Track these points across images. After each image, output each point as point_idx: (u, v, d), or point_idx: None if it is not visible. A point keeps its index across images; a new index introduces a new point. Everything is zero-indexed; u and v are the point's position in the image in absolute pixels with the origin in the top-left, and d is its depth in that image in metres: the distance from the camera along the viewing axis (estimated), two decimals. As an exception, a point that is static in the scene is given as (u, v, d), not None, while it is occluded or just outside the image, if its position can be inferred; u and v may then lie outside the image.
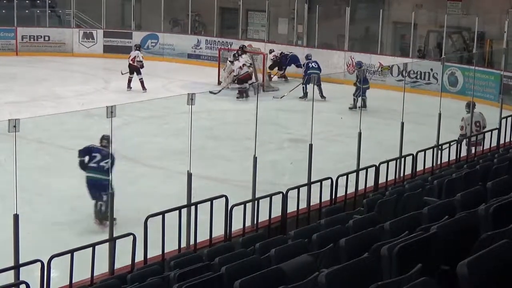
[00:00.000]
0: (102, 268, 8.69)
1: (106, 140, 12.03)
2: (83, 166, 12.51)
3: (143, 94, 23.32)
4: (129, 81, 24.21)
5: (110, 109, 9.27)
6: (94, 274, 8.36)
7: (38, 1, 33.53)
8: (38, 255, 7.93)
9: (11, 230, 8.67)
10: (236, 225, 9.90)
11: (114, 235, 9.11)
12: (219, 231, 9.79)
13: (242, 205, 9.93)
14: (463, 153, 13.56)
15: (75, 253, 8.09)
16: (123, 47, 30.33)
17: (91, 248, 8.31)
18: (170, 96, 20.97)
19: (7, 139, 8.71)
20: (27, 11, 33.00)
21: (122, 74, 24.03)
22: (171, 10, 31.84)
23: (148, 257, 8.96)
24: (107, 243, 8.90)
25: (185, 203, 9.94)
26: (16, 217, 8.65)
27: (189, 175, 10.13)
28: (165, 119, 19.72)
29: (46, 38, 31.07)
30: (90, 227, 11.61)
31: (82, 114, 19.40)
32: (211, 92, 22.22)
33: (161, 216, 9.09)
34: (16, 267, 8.34)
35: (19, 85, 24.56)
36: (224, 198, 9.85)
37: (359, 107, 19.65)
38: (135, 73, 24.10)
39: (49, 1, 32.45)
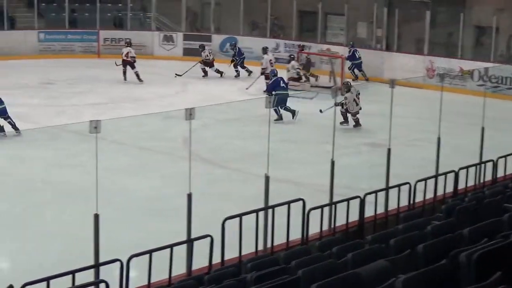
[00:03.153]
0: (179, 269, 8.77)
1: None
2: None
3: (221, 97, 23.48)
4: (124, 73, 26.10)
5: (189, 111, 9.35)
6: (172, 275, 8.44)
7: (120, 5, 34.04)
8: (117, 255, 8.05)
9: (92, 230, 8.83)
10: (313, 229, 9.89)
11: (192, 237, 9.19)
12: (295, 234, 9.79)
13: (319, 209, 9.91)
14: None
15: (153, 254, 8.18)
16: (202, 50, 30.58)
17: (169, 249, 8.39)
18: (248, 99, 21.06)
19: (89, 140, 8.87)
20: (109, 14, 33.54)
21: (116, 65, 25.83)
22: (250, 13, 31.96)
23: (225, 259, 9.01)
24: (185, 244, 8.98)
25: (262, 205, 9.97)
26: (96, 217, 8.80)
27: (267, 178, 10.16)
28: (243, 121, 19.80)
29: (128, 41, 31.52)
30: (169, 228, 11.72)
31: (162, 116, 19.65)
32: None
33: (238, 218, 9.14)
34: (96, 266, 8.48)
35: (101, 87, 24.98)
36: (301, 202, 9.85)
37: None
38: (128, 67, 26.06)
39: (131, 5, 32.92)
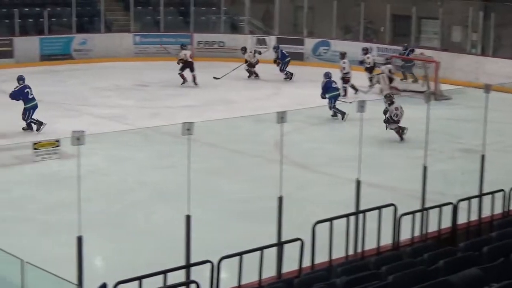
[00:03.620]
0: (269, 271, 8.80)
1: (22, 80, 19.10)
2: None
3: (313, 100, 23.43)
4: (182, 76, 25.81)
5: (280, 114, 9.38)
6: (262, 277, 8.48)
7: (213, 8, 34.37)
8: (208, 256, 8.12)
9: (183, 230, 8.95)
10: (404, 235, 9.79)
11: (282, 240, 9.21)
12: (386, 239, 9.71)
13: (411, 215, 9.81)
14: None
15: (243, 256, 8.23)
16: (295, 53, 30.61)
17: (259, 252, 8.43)
18: (340, 102, 20.99)
19: (182, 142, 8.99)
20: (203, 17, 33.89)
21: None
22: (343, 17, 31.85)
23: (315, 262, 9.01)
24: (275, 247, 9.01)
25: (353, 210, 9.93)
26: (188, 218, 8.91)
27: (358, 182, 10.11)
28: (335, 125, 19.78)
29: (221, 44, 31.82)
30: (259, 230, 11.76)
31: (253, 119, 19.75)
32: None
33: (329, 222, 9.12)
34: (187, 266, 8.58)
35: (194, 89, 25.25)
36: (392, 207, 9.77)
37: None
38: (187, 69, 25.76)
39: (225, 8, 33.21)
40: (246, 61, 27.66)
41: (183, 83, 25.63)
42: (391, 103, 18.69)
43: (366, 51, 27.16)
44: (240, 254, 8.22)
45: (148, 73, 26.35)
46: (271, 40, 31.92)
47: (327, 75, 21.28)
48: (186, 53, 25.95)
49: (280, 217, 9.56)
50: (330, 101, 20.81)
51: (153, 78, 26.76)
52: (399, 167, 16.33)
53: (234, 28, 34.19)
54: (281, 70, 27.44)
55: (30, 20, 31.25)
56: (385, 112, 18.54)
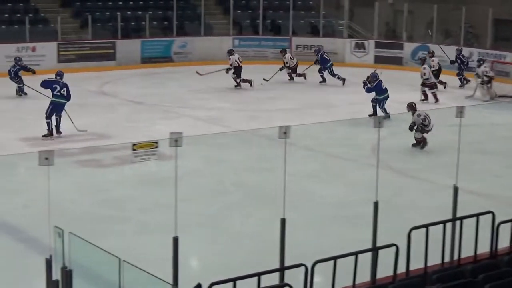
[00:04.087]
0: (363, 276, 8.76)
1: (59, 76, 18.80)
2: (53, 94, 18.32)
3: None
4: (235, 79, 25.94)
5: (377, 119, 9.33)
6: (356, 282, 8.44)
7: (312, 12, 34.39)
8: (302, 259, 8.13)
9: (278, 233, 8.98)
10: (503, 243, 9.61)
11: (377, 245, 9.15)
12: (484, 247, 9.55)
13: (510, 223, 9.61)
14: None
15: (337, 260, 8.21)
16: (393, 58, 30.39)
17: (353, 256, 8.40)
18: (438, 108, 20.73)
19: (278, 145, 9.03)
20: (302, 21, 33.96)
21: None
22: (443, 21, 31.43)
23: (410, 269, 8.92)
24: (370, 252, 8.96)
25: (450, 217, 9.79)
26: (283, 221, 8.94)
27: (456, 189, 9.97)
28: (433, 131, 19.51)
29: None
30: (353, 235, 11.72)
31: (350, 123, 19.67)
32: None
33: (425, 228, 9.02)
34: (281, 269, 8.61)
35: (293, 92, 25.32)
36: (490, 214, 9.59)
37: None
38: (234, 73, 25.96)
39: (324, 12, 33.18)
40: (284, 64, 27.51)
41: (238, 85, 25.98)
42: (414, 112, 17.88)
43: (431, 54, 26.76)
44: (335, 258, 8.20)
45: (247, 76, 26.47)
46: (370, 44, 31.73)
47: (375, 76, 21.12)
48: (235, 58, 25.98)
49: (375, 222, 9.50)
50: (381, 103, 20.76)
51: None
52: (499, 174, 16.02)
53: (333, 32, 34.11)
54: (332, 75, 26.97)
55: (132, 23, 31.90)
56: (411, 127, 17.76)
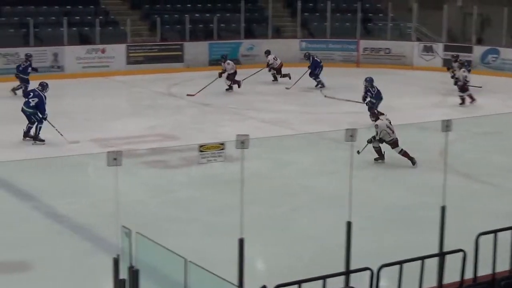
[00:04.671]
0: (430, 282, 8.67)
1: (41, 86, 18.19)
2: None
3: (478, 109, 22.91)
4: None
5: (445, 123, 9.24)
6: (422, 287, 8.37)
7: (380, 15, 34.21)
8: (367, 263, 8.08)
9: (343, 237, 8.95)
10: None
11: (444, 250, 9.06)
12: (554, 255, 9.38)
13: None
14: None
15: (403, 265, 8.15)
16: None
17: (420, 261, 8.32)
18: (509, 112, 20.46)
19: (345, 148, 9.00)
20: (369, 24, 33.80)
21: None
22: (513, 24, 30.99)
23: (477, 275, 8.80)
24: (436, 258, 8.87)
25: (518, 222, 9.64)
26: (349, 224, 8.91)
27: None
28: (503, 135, 19.26)
29: (387, 51, 31.64)
30: (419, 240, 11.61)
31: (417, 127, 19.52)
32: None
33: (493, 234, 8.89)
34: (347, 273, 8.58)
35: (358, 96, 25.17)
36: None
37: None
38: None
39: (392, 15, 32.97)
40: (268, 65, 27.69)
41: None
42: (376, 118, 16.93)
43: (456, 58, 26.28)
44: (401, 262, 8.14)
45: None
46: (439, 47, 31.41)
47: (371, 81, 21.01)
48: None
49: (442, 227, 9.41)
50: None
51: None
52: None
53: (401, 35, 33.87)
54: (312, 76, 26.90)
55: (200, 25, 32.13)
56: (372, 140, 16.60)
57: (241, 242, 8.37)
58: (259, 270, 11.28)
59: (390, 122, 16.53)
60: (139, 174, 15.57)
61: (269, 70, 27.54)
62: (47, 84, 18.37)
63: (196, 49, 30.80)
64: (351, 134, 8.71)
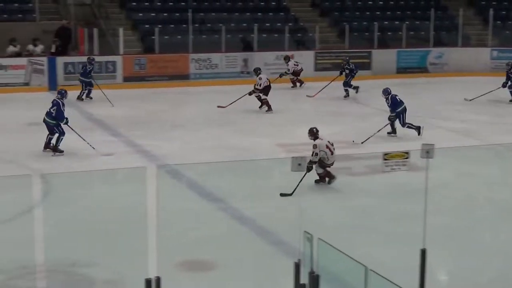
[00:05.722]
0: None
1: (59, 94, 18.01)
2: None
3: None
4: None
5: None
6: None
7: None
8: None
9: None
10: None
11: None
12: None
13: None
14: None
15: None
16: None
17: None
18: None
19: None
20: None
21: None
22: None
23: None
24: None
25: None
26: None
27: None
28: None
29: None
30: None
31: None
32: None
33: None
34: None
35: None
36: None
37: None
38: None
39: None
40: (288, 71, 27.24)
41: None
42: (316, 137, 15.02)
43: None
44: None
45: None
46: None
47: (387, 91, 19.83)
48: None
49: None
50: (401, 117, 19.49)
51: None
52: None
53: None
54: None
55: (389, 33, 31.99)
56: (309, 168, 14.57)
57: (423, 252, 8.32)
58: (440, 281, 11.14)
59: None
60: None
61: (295, 79, 27.51)
62: (66, 91, 18.23)
63: (384, 57, 30.68)
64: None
